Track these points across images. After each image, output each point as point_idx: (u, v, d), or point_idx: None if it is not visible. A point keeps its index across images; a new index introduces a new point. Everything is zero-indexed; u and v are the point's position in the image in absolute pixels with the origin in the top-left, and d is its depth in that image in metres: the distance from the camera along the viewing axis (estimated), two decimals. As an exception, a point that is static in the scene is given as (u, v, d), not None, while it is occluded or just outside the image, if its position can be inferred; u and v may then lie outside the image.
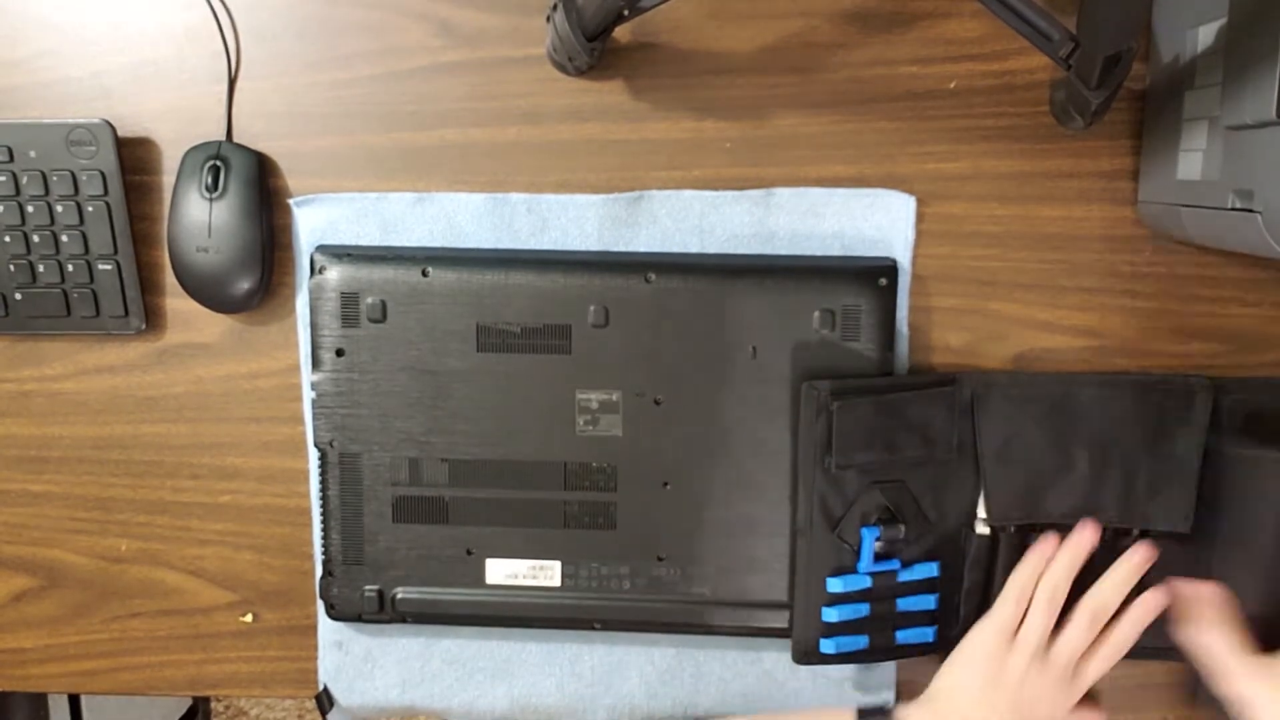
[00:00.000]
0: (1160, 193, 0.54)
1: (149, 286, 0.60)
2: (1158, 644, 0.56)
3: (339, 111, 0.58)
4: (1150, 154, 0.55)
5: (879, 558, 0.57)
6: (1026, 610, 0.55)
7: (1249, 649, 0.53)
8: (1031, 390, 0.56)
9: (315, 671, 0.64)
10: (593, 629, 0.60)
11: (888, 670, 0.61)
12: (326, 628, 0.63)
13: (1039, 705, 0.53)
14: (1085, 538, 0.55)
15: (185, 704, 1.33)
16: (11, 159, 0.57)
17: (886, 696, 0.61)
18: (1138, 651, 0.55)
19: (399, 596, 0.60)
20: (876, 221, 0.57)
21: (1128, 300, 0.58)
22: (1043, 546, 0.56)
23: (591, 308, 0.56)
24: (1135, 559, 0.54)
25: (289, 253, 0.60)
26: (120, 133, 0.57)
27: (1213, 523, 0.56)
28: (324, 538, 0.60)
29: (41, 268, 0.59)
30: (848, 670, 0.61)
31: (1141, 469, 0.56)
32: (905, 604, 0.58)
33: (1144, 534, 0.57)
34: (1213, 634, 0.53)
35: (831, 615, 0.57)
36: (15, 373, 0.62)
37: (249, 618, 0.64)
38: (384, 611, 0.60)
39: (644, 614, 0.59)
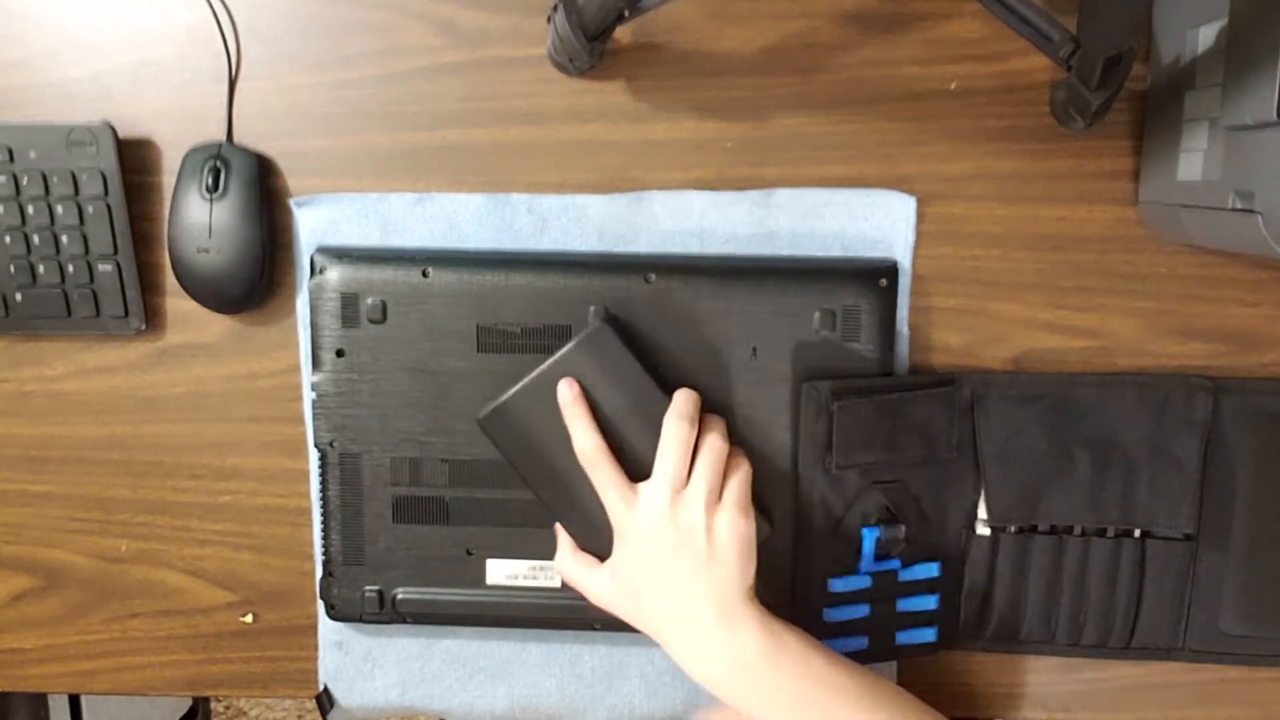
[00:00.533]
0: (1161, 193, 0.54)
1: (149, 287, 0.60)
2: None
3: (340, 112, 0.58)
4: (1151, 154, 0.55)
5: (879, 558, 0.57)
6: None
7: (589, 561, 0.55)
8: (1031, 390, 0.56)
9: (315, 672, 0.64)
10: (593, 629, 0.60)
11: (888, 670, 0.61)
12: (327, 628, 0.63)
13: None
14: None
15: (185, 704, 1.33)
16: (12, 159, 0.57)
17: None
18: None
19: (399, 597, 0.60)
20: (877, 222, 0.57)
21: (1128, 300, 0.58)
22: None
23: (592, 308, 0.56)
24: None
25: (289, 253, 0.60)
26: (121, 133, 0.57)
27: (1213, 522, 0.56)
28: (324, 538, 0.60)
29: (42, 268, 0.59)
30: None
31: (1143, 470, 0.56)
32: (905, 604, 0.58)
33: (1146, 536, 0.57)
34: (561, 564, 0.56)
35: (832, 616, 0.57)
36: (15, 373, 0.62)
37: (249, 618, 0.64)
38: (384, 612, 0.60)
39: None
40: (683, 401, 0.53)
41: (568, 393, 0.53)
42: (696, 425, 0.53)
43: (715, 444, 0.52)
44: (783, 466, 0.57)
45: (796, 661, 0.50)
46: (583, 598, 0.57)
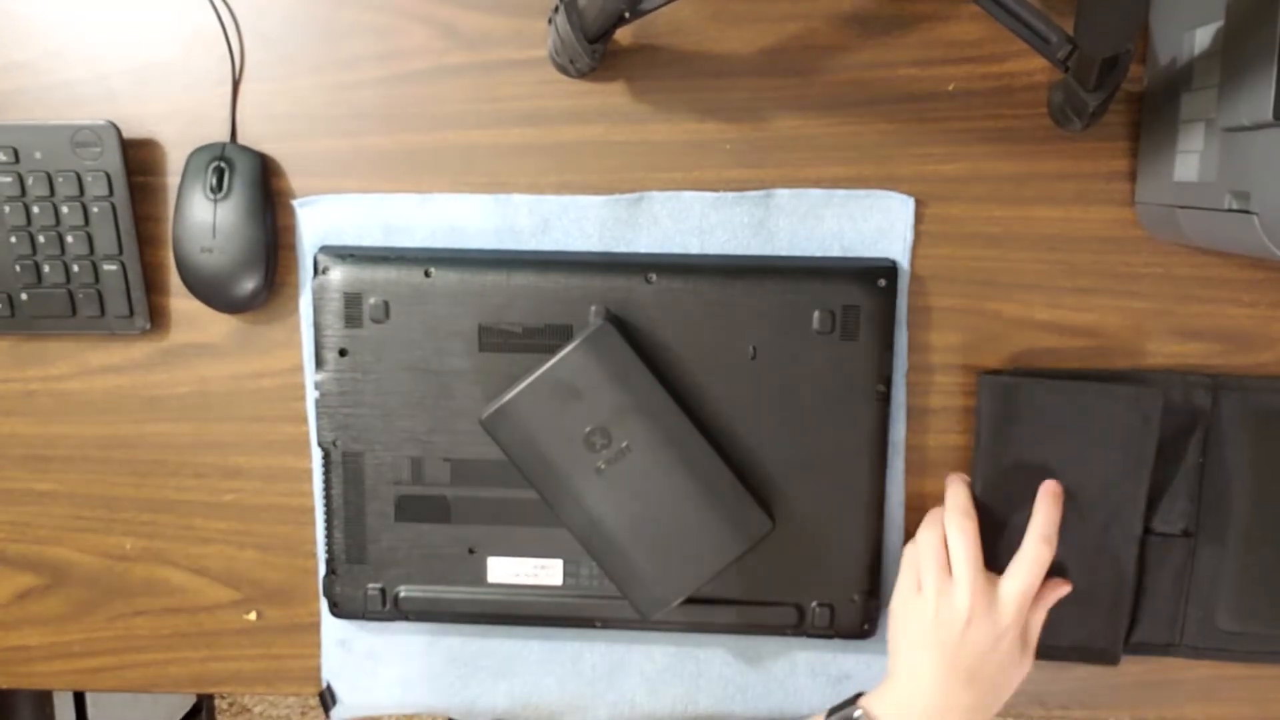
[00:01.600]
0: (1158, 194, 0.54)
1: (154, 287, 0.61)
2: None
3: (343, 113, 0.59)
4: (1148, 156, 0.55)
5: None
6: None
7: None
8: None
9: (318, 669, 0.64)
10: (594, 627, 0.61)
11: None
12: (330, 626, 0.63)
13: (974, 637, 0.52)
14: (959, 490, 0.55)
15: (189, 701, 1.33)
16: (17, 160, 0.57)
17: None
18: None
19: (402, 595, 0.60)
20: (876, 222, 0.58)
21: (1125, 301, 0.58)
22: (933, 517, 0.56)
23: (593, 308, 0.56)
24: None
25: (293, 253, 0.60)
26: (125, 134, 0.58)
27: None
28: (327, 536, 0.60)
29: (47, 268, 0.59)
30: (846, 667, 0.62)
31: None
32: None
33: (1146, 531, 0.57)
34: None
35: None
36: (21, 372, 0.62)
37: (253, 616, 0.64)
38: (387, 610, 0.60)
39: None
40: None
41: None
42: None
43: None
44: (783, 465, 0.57)
45: None
46: (585, 595, 0.57)
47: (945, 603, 0.52)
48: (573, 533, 0.56)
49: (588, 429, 0.55)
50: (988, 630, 0.51)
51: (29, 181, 0.58)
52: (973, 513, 0.54)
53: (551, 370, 0.54)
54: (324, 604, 0.62)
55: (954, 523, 0.54)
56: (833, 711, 0.54)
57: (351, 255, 0.58)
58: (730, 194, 0.58)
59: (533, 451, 0.55)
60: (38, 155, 0.57)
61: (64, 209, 0.58)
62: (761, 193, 0.58)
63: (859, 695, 0.54)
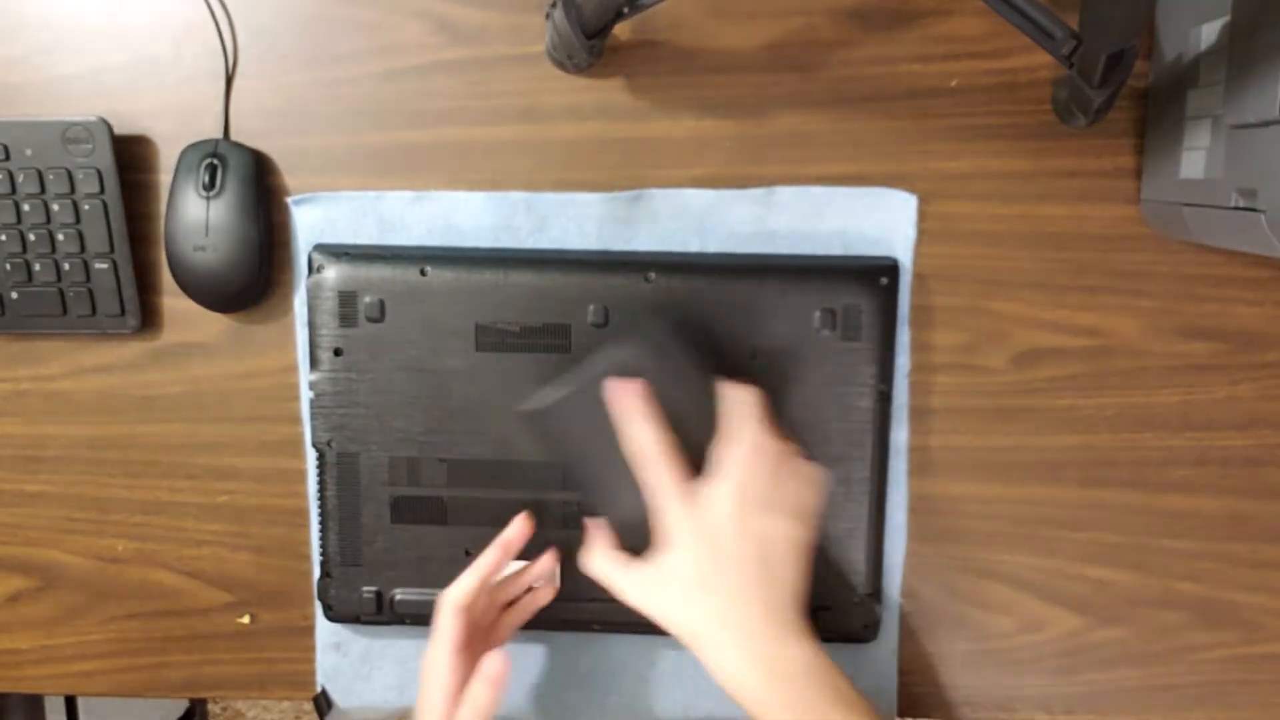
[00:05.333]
0: (1163, 191, 0.54)
1: (146, 285, 0.60)
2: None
3: (337, 110, 0.58)
4: (1153, 152, 0.55)
5: None
6: None
7: (626, 559, 0.52)
8: None
9: (313, 673, 0.63)
10: (591, 630, 0.60)
11: (889, 672, 0.61)
12: (324, 629, 0.62)
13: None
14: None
15: (182, 706, 1.32)
16: (7, 157, 0.57)
17: (887, 702, 0.61)
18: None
19: (397, 598, 0.59)
20: (878, 220, 0.57)
21: (1130, 299, 0.58)
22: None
23: (591, 307, 0.56)
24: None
25: (287, 251, 0.59)
26: (117, 130, 0.57)
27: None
28: (322, 538, 0.59)
29: (37, 266, 0.58)
30: (847, 670, 0.61)
31: None
32: None
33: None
34: (596, 562, 0.53)
35: None
36: (11, 372, 0.61)
37: (246, 619, 0.63)
38: (382, 613, 0.60)
39: (644, 615, 0.59)
40: (745, 405, 0.51)
41: (621, 389, 0.51)
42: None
43: (789, 452, 0.51)
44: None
45: (832, 680, 0.49)
46: (582, 598, 0.57)
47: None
48: (618, 532, 0.54)
49: None
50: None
51: (19, 179, 0.57)
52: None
53: (596, 365, 0.52)
54: (318, 607, 0.61)
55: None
56: None
57: (346, 253, 0.57)
58: (730, 191, 0.57)
59: (570, 449, 0.53)
60: (28, 152, 0.57)
61: (55, 206, 0.57)
62: (762, 190, 0.57)
63: None
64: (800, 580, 0.51)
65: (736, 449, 0.50)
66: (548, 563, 0.57)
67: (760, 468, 0.50)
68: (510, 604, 0.58)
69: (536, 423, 0.53)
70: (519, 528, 0.56)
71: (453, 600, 0.53)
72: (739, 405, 0.51)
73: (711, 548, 0.49)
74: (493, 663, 0.52)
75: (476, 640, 0.54)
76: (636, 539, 0.53)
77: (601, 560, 0.53)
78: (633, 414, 0.50)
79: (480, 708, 0.51)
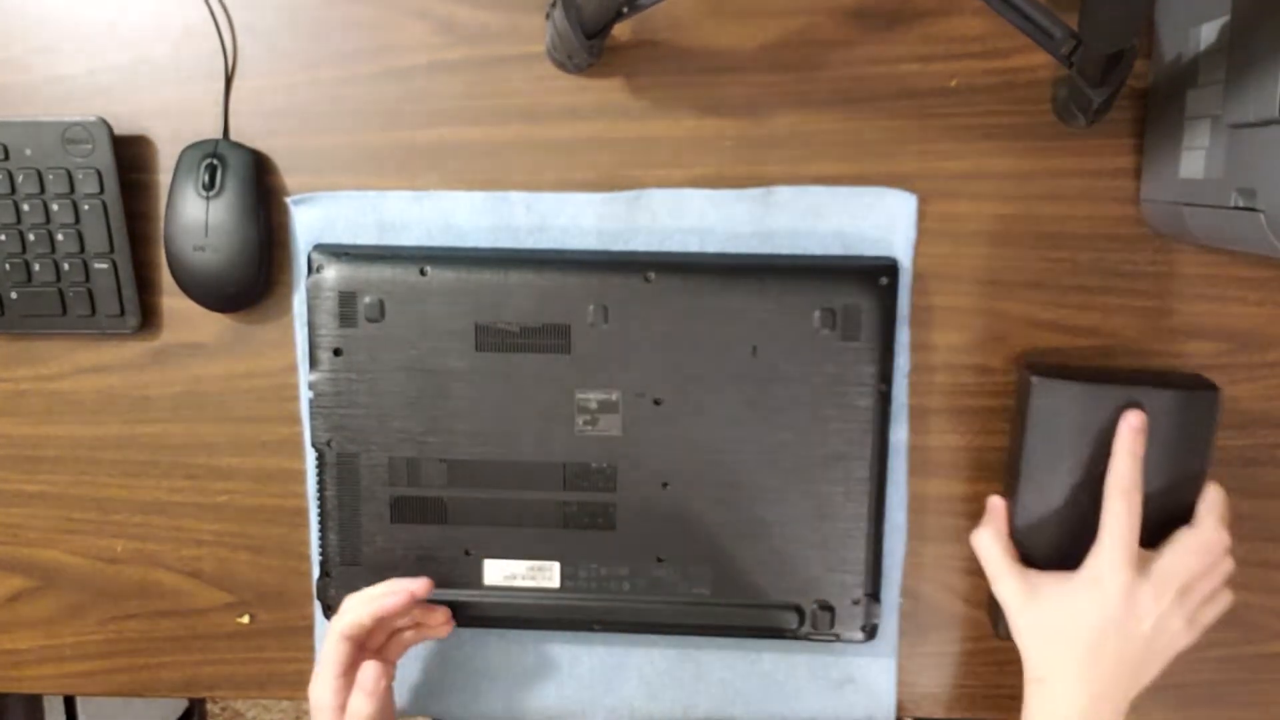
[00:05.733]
0: (1163, 191, 0.54)
1: (145, 285, 0.60)
2: None
3: (337, 109, 0.58)
4: (1152, 152, 0.55)
5: None
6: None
7: (1018, 561, 0.55)
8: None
9: (312, 672, 0.63)
10: (592, 630, 0.60)
11: (889, 671, 0.61)
12: (323, 629, 0.62)
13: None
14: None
15: (181, 705, 1.32)
16: (7, 157, 0.57)
17: (887, 702, 0.61)
18: None
19: (397, 597, 0.59)
20: (877, 220, 0.57)
21: (1130, 299, 0.58)
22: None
23: (591, 307, 0.56)
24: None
25: (286, 251, 0.59)
26: (116, 131, 0.57)
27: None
28: (321, 538, 0.59)
29: (37, 266, 0.58)
30: (848, 670, 0.61)
31: None
32: None
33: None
34: (986, 539, 0.55)
35: None
36: (11, 372, 0.61)
37: (245, 619, 0.63)
38: (382, 612, 0.60)
39: (643, 615, 0.59)
40: (1222, 508, 0.53)
41: (1136, 422, 0.52)
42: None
43: (1228, 568, 0.53)
44: (783, 465, 0.57)
45: None
46: (583, 598, 0.57)
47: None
48: (1017, 524, 0.55)
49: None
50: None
51: (19, 179, 0.57)
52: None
53: (1130, 392, 0.53)
54: (318, 607, 0.61)
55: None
56: None
57: (346, 253, 0.57)
58: (730, 191, 0.57)
59: (1052, 439, 0.54)
60: (28, 152, 0.57)
61: (54, 206, 0.57)
62: (762, 190, 0.57)
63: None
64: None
65: (1194, 538, 0.52)
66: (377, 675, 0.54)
67: (1200, 567, 0.52)
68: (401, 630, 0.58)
69: (1045, 395, 0.54)
70: (423, 586, 0.56)
71: (338, 631, 0.54)
72: (1213, 500, 0.53)
73: (1127, 623, 0.50)
74: (367, 673, 0.53)
75: (361, 662, 0.54)
76: (1034, 543, 0.55)
77: (990, 543, 0.55)
78: (1131, 447, 0.52)
79: (361, 718, 0.52)
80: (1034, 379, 0.54)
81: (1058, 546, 0.55)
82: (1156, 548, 0.52)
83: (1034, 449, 0.55)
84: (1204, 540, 0.52)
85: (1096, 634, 0.50)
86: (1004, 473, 0.59)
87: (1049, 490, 0.55)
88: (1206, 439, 0.54)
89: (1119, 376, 0.55)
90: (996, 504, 0.56)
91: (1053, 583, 0.52)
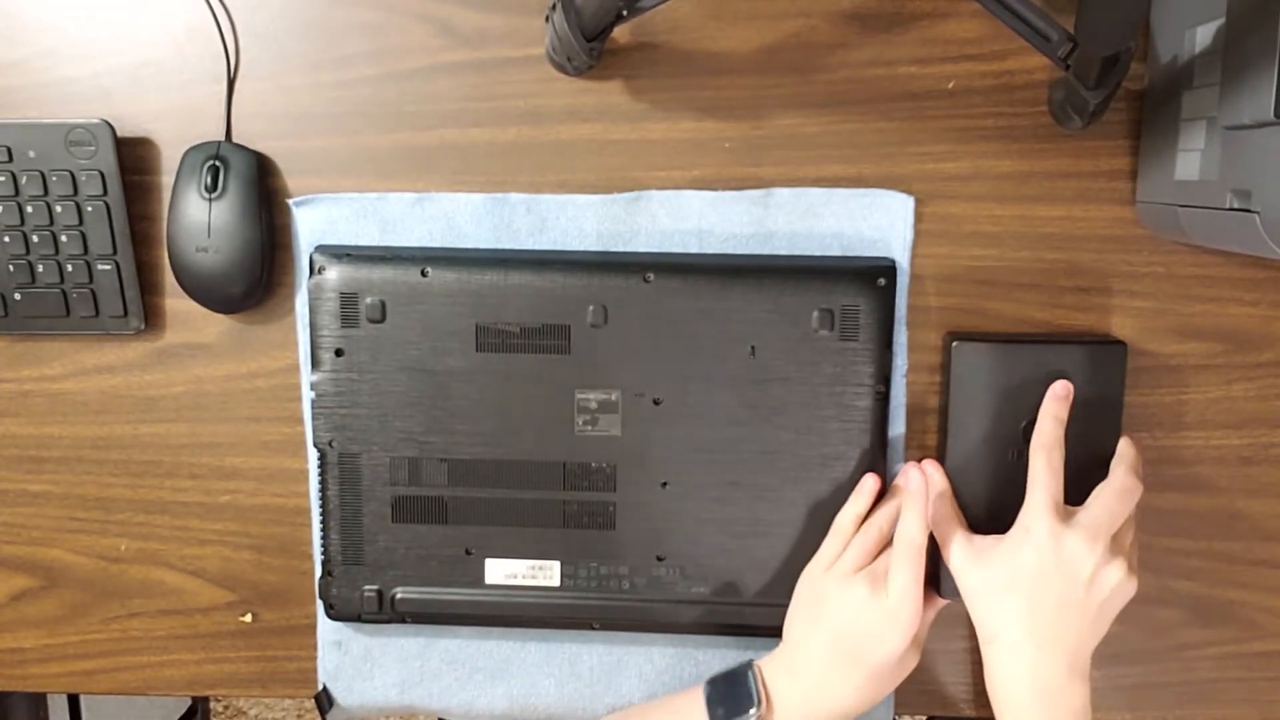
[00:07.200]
0: (1158, 193, 0.54)
1: (148, 286, 0.60)
2: None
3: (338, 112, 0.58)
4: (1148, 154, 0.55)
5: None
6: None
7: (963, 525, 0.56)
8: None
9: (314, 671, 0.64)
10: (592, 629, 0.60)
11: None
12: (326, 628, 0.63)
13: (859, 626, 0.53)
14: (913, 482, 0.54)
15: (184, 704, 1.33)
16: (11, 159, 0.57)
17: (886, 701, 0.61)
18: None
19: (398, 596, 0.60)
20: (875, 221, 0.57)
21: (1126, 300, 0.58)
22: (867, 485, 0.57)
23: (590, 308, 0.56)
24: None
25: (288, 253, 0.60)
26: (119, 133, 0.57)
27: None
28: (323, 537, 0.60)
29: (41, 268, 0.59)
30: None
31: None
32: None
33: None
34: (933, 505, 0.56)
35: None
36: (14, 373, 0.62)
37: (248, 617, 0.64)
38: (383, 611, 0.60)
39: (643, 614, 0.59)
40: (1134, 459, 0.55)
41: (1061, 391, 0.55)
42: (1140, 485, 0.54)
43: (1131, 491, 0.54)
44: (782, 465, 0.57)
45: None
46: (583, 597, 0.57)
47: (867, 598, 0.53)
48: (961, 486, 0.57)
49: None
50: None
51: (22, 181, 0.57)
52: (921, 538, 0.54)
53: (1051, 352, 0.56)
54: (320, 606, 0.62)
55: (902, 546, 0.53)
56: (714, 681, 0.55)
57: (347, 255, 0.57)
58: (729, 193, 0.58)
59: (974, 400, 0.56)
60: (31, 154, 0.57)
61: (58, 208, 0.58)
62: (760, 191, 0.57)
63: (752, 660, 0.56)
64: (1107, 628, 0.53)
65: (1110, 488, 0.53)
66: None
67: (1123, 512, 0.53)
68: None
69: (962, 357, 0.56)
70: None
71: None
72: (1123, 452, 0.55)
73: (1061, 570, 0.51)
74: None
75: None
76: (963, 504, 0.57)
77: (942, 504, 0.56)
78: (1055, 411, 0.54)
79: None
80: (955, 343, 0.56)
81: (986, 506, 0.57)
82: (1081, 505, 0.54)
83: (957, 409, 0.57)
84: (1120, 488, 0.53)
85: (1033, 583, 0.51)
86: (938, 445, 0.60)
87: (974, 451, 0.57)
88: (1118, 393, 0.56)
89: (1034, 339, 0.57)
90: (930, 467, 0.57)
91: (992, 543, 0.54)
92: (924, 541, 0.53)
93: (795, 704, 0.53)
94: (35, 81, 0.59)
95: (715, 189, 0.58)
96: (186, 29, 0.58)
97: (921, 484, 0.53)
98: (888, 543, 0.56)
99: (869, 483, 0.57)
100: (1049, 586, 0.51)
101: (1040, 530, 0.52)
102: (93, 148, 0.57)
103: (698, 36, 0.57)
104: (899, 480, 0.57)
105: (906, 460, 0.59)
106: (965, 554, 0.54)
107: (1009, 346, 0.56)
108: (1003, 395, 0.56)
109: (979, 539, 0.55)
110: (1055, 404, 0.54)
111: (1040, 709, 0.51)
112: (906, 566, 0.52)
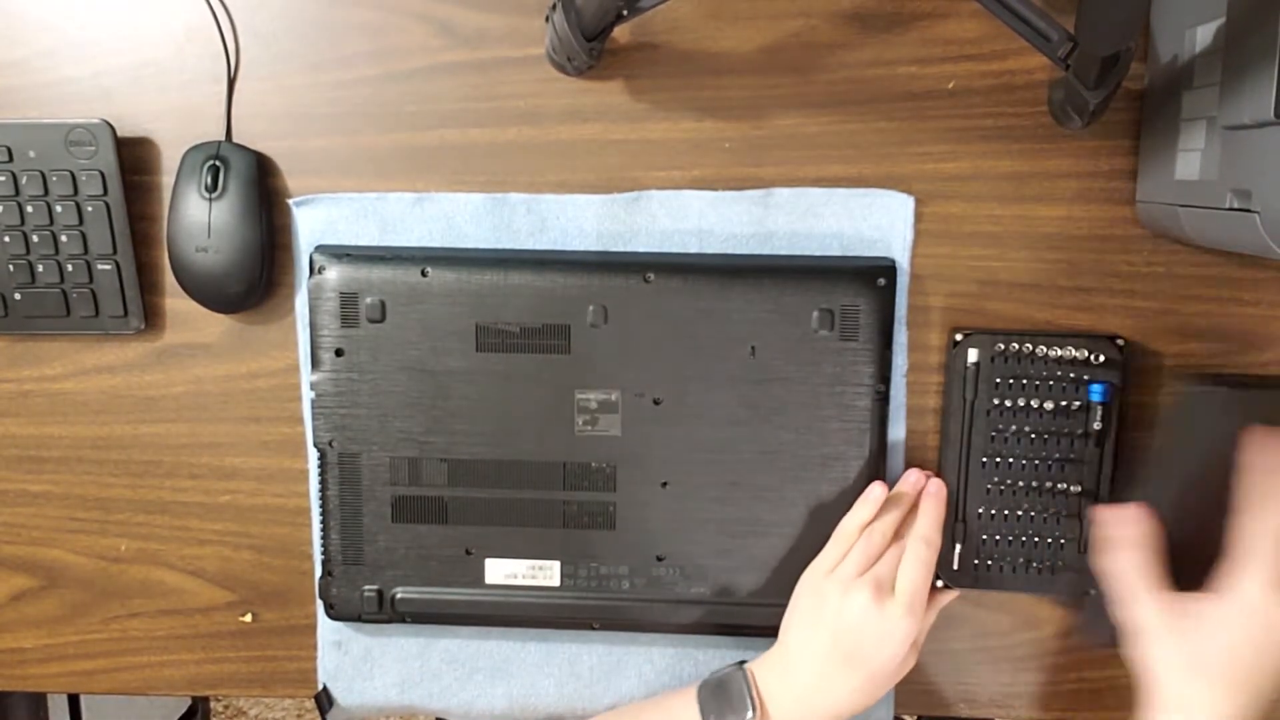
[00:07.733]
0: (1158, 192, 0.54)
1: (148, 286, 0.60)
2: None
3: (338, 112, 0.58)
4: (1148, 154, 0.55)
5: None
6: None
7: (1160, 581, 0.51)
8: None
9: (314, 671, 0.64)
10: (591, 629, 0.60)
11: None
12: (326, 627, 0.63)
13: (862, 630, 0.52)
14: (933, 485, 0.54)
15: (184, 704, 1.32)
16: (11, 159, 0.57)
17: (886, 700, 0.61)
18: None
19: (398, 596, 0.60)
20: (875, 221, 0.57)
21: (1126, 300, 0.58)
22: (874, 493, 0.56)
23: (590, 308, 0.56)
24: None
25: (288, 253, 0.60)
26: (120, 133, 0.57)
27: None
28: (323, 537, 0.60)
29: (41, 268, 0.59)
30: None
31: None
32: None
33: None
34: (1127, 555, 0.51)
35: None
36: (15, 373, 0.62)
37: (248, 617, 0.64)
38: (383, 611, 0.60)
39: (643, 614, 0.59)
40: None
41: (1264, 438, 0.50)
42: None
43: None
44: (782, 465, 0.57)
45: None
46: (583, 597, 0.57)
47: (873, 608, 0.52)
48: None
49: None
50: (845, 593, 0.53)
51: (23, 180, 0.57)
52: (937, 541, 0.54)
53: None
54: (320, 606, 0.62)
55: (917, 548, 0.53)
56: (706, 684, 0.55)
57: (348, 255, 0.57)
58: (729, 193, 0.58)
59: (1194, 454, 0.52)
60: (32, 154, 0.57)
61: (58, 208, 0.58)
62: (760, 191, 0.57)
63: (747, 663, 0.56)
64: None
65: None
66: None
67: None
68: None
69: (1198, 407, 0.52)
70: None
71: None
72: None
73: (1265, 637, 0.48)
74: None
75: None
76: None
77: (1130, 564, 0.51)
78: (1266, 465, 0.50)
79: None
80: (1187, 388, 0.52)
81: (1180, 562, 0.51)
82: None
83: (1171, 457, 0.52)
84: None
85: (1247, 666, 0.48)
86: (1115, 483, 0.56)
87: (1180, 504, 0.52)
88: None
89: (1269, 382, 0.53)
90: (1133, 515, 0.52)
91: (1200, 609, 0.49)
92: (939, 544, 0.53)
93: (790, 706, 0.53)
94: (35, 81, 0.59)
95: (715, 189, 0.58)
96: (186, 29, 0.58)
97: (940, 486, 0.53)
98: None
99: (876, 490, 0.56)
100: (1258, 666, 0.47)
101: (1268, 611, 0.47)
102: (93, 148, 0.57)
103: (698, 36, 0.57)
104: (901, 485, 0.57)
105: (906, 462, 0.59)
106: (1162, 615, 0.49)
107: (1252, 393, 0.51)
108: (1224, 443, 0.50)
109: (1179, 599, 0.50)
110: (1261, 453, 0.49)
111: None
112: (918, 567, 0.52)
